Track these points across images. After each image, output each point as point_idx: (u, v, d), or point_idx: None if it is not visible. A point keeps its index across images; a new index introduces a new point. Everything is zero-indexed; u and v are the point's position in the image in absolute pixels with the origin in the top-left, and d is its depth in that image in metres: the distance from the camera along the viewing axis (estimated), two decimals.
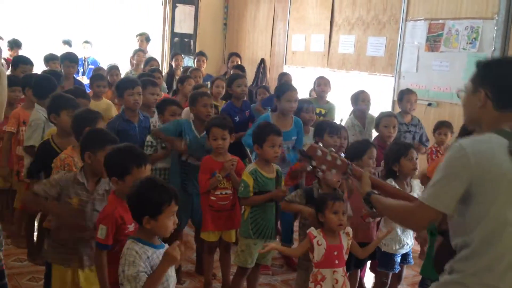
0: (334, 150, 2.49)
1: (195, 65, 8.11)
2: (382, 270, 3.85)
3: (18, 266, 4.39)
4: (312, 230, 3.25)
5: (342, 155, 2.73)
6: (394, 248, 3.73)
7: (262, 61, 9.44)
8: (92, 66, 8.42)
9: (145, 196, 2.38)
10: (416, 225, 2.16)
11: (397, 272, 3.84)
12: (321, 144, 2.75)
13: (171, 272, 2.48)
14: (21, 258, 4.53)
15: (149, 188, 2.40)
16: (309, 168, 2.47)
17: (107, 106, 5.37)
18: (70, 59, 6.18)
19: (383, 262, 3.81)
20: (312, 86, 6.26)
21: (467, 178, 1.86)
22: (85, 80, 7.94)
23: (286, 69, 8.78)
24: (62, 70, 6.20)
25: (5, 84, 0.94)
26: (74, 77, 6.50)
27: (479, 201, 1.87)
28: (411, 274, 4.63)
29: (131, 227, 2.70)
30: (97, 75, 6.00)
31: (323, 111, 5.69)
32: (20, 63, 5.82)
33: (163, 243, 2.50)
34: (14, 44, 7.81)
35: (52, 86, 4.52)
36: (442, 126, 5.32)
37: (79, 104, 3.76)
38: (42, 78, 4.76)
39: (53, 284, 3.08)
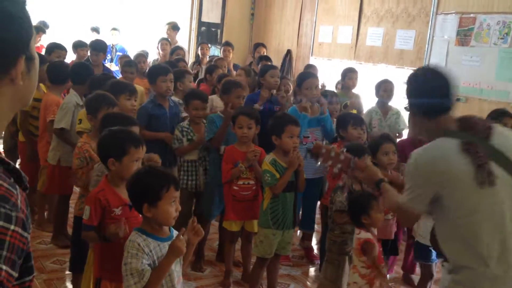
0: (335, 147, 2.68)
1: (222, 55, 8.11)
2: (420, 261, 3.93)
3: (42, 249, 4.47)
4: (368, 240, 3.13)
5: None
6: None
7: (289, 52, 9.38)
8: (120, 53, 8.49)
9: (142, 182, 2.36)
10: (406, 223, 2.48)
11: (437, 263, 3.88)
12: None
13: (175, 267, 2.42)
14: (45, 241, 4.61)
15: (146, 174, 2.39)
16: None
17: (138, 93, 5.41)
18: (97, 48, 6.24)
19: (419, 253, 3.87)
20: (337, 78, 6.22)
21: (428, 184, 2.04)
22: (113, 67, 8.02)
23: (312, 60, 8.72)
24: (90, 57, 6.29)
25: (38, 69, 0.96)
26: (103, 64, 6.57)
27: (449, 199, 2.02)
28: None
29: (118, 210, 2.69)
30: (127, 62, 6.07)
31: (349, 103, 5.65)
32: (55, 48, 5.95)
33: (173, 234, 2.44)
34: (39, 29, 7.84)
35: (89, 72, 4.71)
36: None
37: (115, 102, 3.66)
38: (79, 65, 5.01)
39: (87, 267, 3.18)
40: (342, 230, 3.52)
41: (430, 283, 3.93)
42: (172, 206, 2.34)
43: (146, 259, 2.28)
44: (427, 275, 3.91)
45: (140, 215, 2.50)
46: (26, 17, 1.05)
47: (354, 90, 5.95)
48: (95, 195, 2.70)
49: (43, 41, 7.76)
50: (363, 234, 3.16)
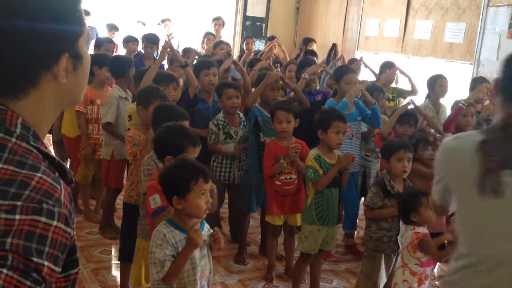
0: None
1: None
2: None
3: (90, 239, 4.59)
4: (426, 235, 3.06)
5: None
6: None
7: (334, 46, 9.29)
8: None
9: (171, 175, 2.36)
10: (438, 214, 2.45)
11: None
12: None
13: (200, 261, 2.40)
14: (94, 231, 4.72)
15: (176, 167, 2.39)
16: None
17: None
18: (152, 41, 6.36)
19: None
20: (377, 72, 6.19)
21: (442, 173, 1.93)
22: None
23: (358, 54, 8.59)
24: (143, 51, 6.42)
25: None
26: (154, 57, 6.68)
27: (456, 195, 1.91)
28: None
29: None
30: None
31: (390, 96, 5.60)
32: (104, 42, 6.08)
33: (204, 227, 2.46)
34: (111, 27, 8.43)
35: (127, 65, 4.73)
36: None
37: (166, 96, 3.74)
38: (117, 59, 4.98)
39: (137, 254, 3.24)
40: (378, 226, 3.49)
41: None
42: (201, 199, 2.33)
43: (170, 250, 2.30)
44: None
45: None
46: (75, 15, 1.04)
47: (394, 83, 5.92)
48: (155, 185, 2.65)
49: (116, 39, 8.02)
50: (421, 229, 3.07)
